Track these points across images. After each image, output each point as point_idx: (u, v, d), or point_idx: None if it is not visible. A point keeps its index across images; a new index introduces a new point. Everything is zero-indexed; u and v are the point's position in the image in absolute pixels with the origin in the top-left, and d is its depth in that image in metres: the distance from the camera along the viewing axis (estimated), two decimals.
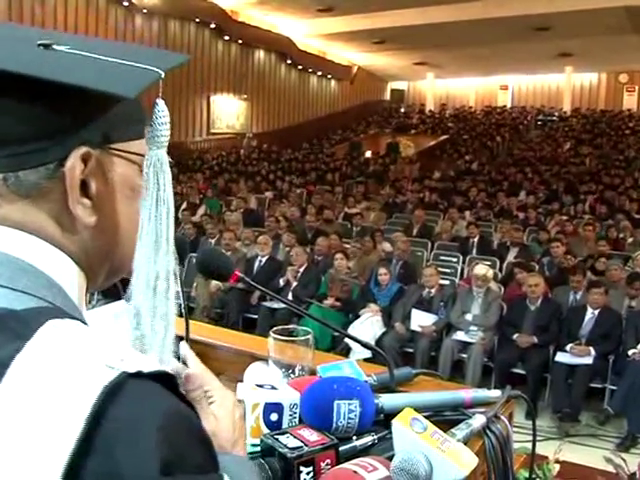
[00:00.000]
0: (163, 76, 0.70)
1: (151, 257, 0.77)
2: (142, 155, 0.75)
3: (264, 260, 8.16)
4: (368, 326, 6.95)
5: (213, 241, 9.05)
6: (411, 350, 6.86)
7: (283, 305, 7.16)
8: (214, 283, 7.57)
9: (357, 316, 7.17)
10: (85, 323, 0.68)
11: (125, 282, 0.81)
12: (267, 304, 7.47)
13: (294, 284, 7.66)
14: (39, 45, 0.69)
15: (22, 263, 0.67)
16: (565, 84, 27.80)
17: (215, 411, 0.93)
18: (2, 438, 0.55)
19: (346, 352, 6.28)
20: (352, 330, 6.72)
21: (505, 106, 29.16)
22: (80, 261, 0.73)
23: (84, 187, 0.70)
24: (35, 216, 0.69)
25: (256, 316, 7.59)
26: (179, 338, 0.98)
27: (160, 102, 0.74)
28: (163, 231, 0.77)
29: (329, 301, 7.39)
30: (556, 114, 26.97)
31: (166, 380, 0.61)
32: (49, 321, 0.61)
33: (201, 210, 11.78)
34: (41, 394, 0.56)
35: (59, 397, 0.56)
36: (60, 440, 0.54)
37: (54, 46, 0.69)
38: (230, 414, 0.94)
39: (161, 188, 0.76)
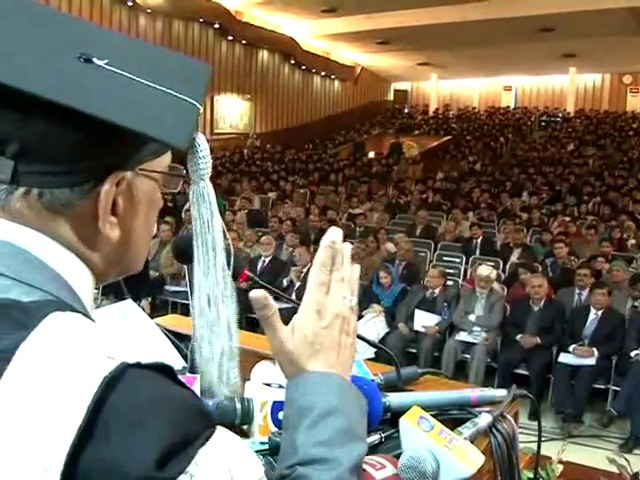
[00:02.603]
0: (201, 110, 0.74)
1: (202, 282, 0.82)
2: (166, 173, 0.78)
3: (267, 260, 8.17)
4: (371, 326, 6.95)
5: None
6: (414, 350, 6.87)
7: (287, 305, 7.15)
8: None
9: (360, 316, 7.17)
10: (91, 318, 0.70)
11: (128, 281, 0.84)
12: None
13: (298, 284, 7.66)
14: (79, 57, 0.69)
15: (29, 256, 0.69)
16: (569, 85, 27.78)
17: (295, 323, 0.82)
18: (5, 426, 0.57)
19: None
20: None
21: (509, 107, 29.14)
22: (94, 267, 0.75)
23: (112, 205, 0.72)
24: (61, 229, 0.71)
25: None
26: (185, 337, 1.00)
27: (199, 136, 0.78)
28: (211, 256, 0.82)
29: None
30: (560, 115, 26.95)
31: (165, 370, 0.63)
32: (53, 313, 0.63)
33: None
34: (44, 383, 0.58)
35: (61, 386, 0.58)
36: (62, 429, 0.56)
37: (94, 59, 0.70)
38: (311, 325, 0.80)
39: (205, 217, 0.81)
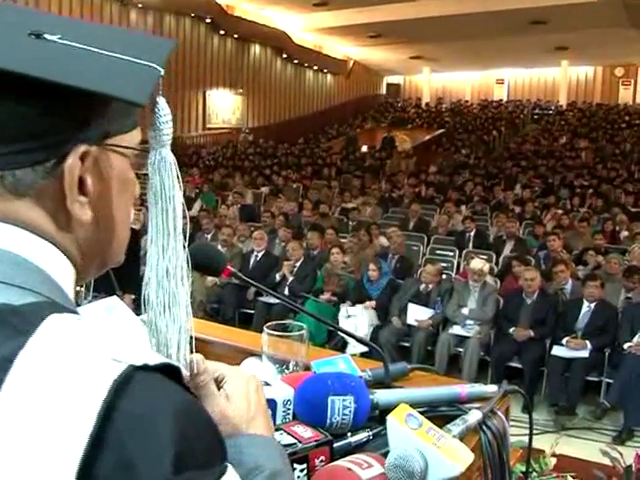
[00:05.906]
0: (162, 73, 0.70)
1: (160, 254, 0.79)
2: (134, 148, 0.75)
3: (260, 255, 8.15)
4: (360, 318, 6.93)
5: (209, 236, 9.03)
6: (407, 344, 6.86)
7: (278, 301, 7.15)
8: (210, 278, 7.54)
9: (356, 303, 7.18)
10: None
11: (119, 276, 0.81)
12: (263, 299, 7.46)
13: (290, 279, 7.65)
14: (30, 34, 0.66)
15: (17, 258, 0.66)
16: (561, 78, 27.83)
17: (227, 390, 0.87)
18: (12, 436, 0.54)
19: (342, 345, 6.28)
20: (345, 322, 6.74)
21: (501, 100, 29.17)
22: (73, 257, 0.72)
23: (80, 184, 0.69)
24: (31, 214, 0.68)
25: (252, 311, 7.59)
26: None
27: (161, 100, 0.74)
28: (170, 228, 0.78)
29: (325, 296, 7.39)
30: (552, 108, 27.01)
31: (171, 372, 0.61)
32: (50, 316, 0.60)
33: (197, 205, 11.75)
34: (49, 390, 0.55)
35: (68, 392, 0.55)
36: (72, 436, 0.54)
37: (45, 35, 0.67)
38: (242, 391, 0.87)
39: (166, 186, 0.77)
